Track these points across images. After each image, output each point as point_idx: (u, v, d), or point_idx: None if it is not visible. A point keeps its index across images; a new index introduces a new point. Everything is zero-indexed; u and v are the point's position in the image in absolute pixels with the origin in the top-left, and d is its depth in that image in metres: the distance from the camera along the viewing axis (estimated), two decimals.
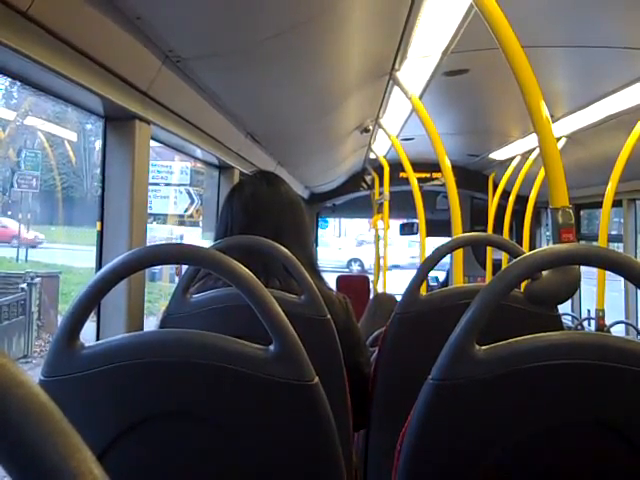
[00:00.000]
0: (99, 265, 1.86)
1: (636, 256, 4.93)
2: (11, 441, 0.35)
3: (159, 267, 9.72)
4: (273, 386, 0.96)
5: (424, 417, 0.94)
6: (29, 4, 1.14)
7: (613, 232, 5.27)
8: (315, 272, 1.79)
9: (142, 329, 1.87)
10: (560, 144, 4.18)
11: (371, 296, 5.87)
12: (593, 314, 4.40)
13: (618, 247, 5.00)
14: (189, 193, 11.04)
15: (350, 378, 1.68)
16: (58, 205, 14.28)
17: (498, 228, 5.87)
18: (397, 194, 6.00)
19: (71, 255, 12.08)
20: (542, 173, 4.40)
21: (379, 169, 5.98)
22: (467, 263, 4.56)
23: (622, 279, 0.97)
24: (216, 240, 1.75)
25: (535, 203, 5.42)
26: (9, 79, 1.44)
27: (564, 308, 5.23)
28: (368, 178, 7.13)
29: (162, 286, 10.46)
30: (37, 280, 9.59)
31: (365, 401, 1.85)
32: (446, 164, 3.04)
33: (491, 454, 0.91)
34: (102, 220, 1.85)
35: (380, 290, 6.00)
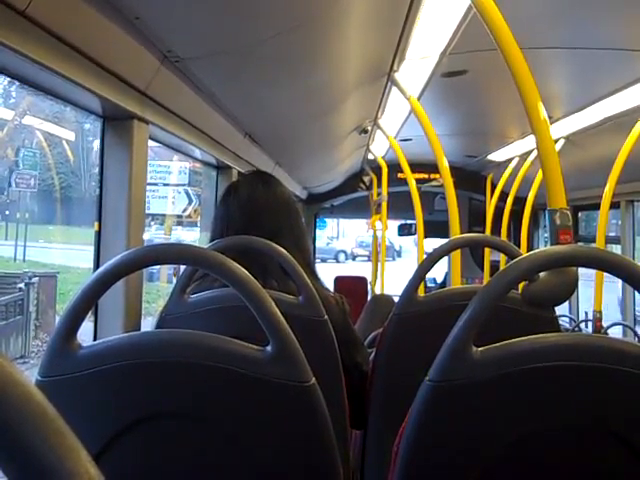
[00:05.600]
0: (97, 265, 1.86)
1: (634, 258, 4.94)
2: (7, 441, 0.35)
3: (157, 267, 9.72)
4: (270, 387, 0.96)
5: (421, 418, 0.94)
6: (27, 3, 1.14)
7: (611, 234, 5.26)
8: (312, 273, 1.80)
9: (139, 329, 1.87)
10: (558, 146, 4.18)
11: (369, 297, 5.87)
12: (590, 316, 4.40)
13: (616, 249, 5.00)
14: (187, 193, 11.04)
15: (348, 377, 1.68)
16: (56, 205, 14.27)
17: (496, 229, 5.87)
18: (395, 195, 6.00)
19: (69, 255, 12.07)
20: (540, 174, 4.40)
21: (377, 170, 5.98)
22: (465, 264, 4.56)
23: (620, 281, 0.98)
24: (212, 240, 1.75)
25: (533, 204, 5.42)
26: (7, 78, 1.44)
27: (561, 310, 5.23)
28: (366, 179, 7.13)
29: (160, 287, 10.45)
30: (35, 280, 9.58)
31: (363, 401, 1.85)
32: (444, 165, 3.04)
33: (488, 455, 0.91)
34: (100, 220, 1.85)
35: (378, 291, 6.00)
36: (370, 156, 6.07)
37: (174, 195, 11.03)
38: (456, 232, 2.96)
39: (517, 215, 5.99)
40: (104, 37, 1.48)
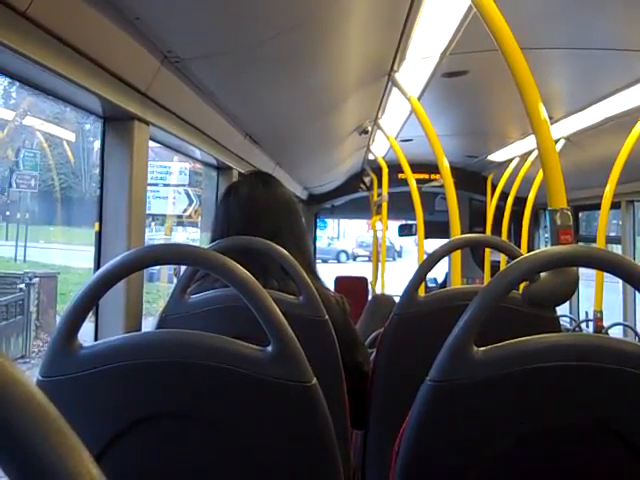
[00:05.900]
0: (97, 265, 1.86)
1: (634, 258, 4.94)
2: (8, 440, 0.35)
3: (157, 268, 9.72)
4: (271, 387, 0.96)
5: (422, 418, 0.94)
6: (28, 4, 1.14)
7: (612, 234, 5.27)
8: (312, 273, 1.80)
9: (140, 330, 1.87)
10: (559, 146, 4.18)
11: (369, 297, 5.87)
12: (591, 316, 4.40)
13: (617, 249, 5.00)
14: (187, 194, 11.05)
15: (349, 377, 1.68)
16: (57, 205, 14.27)
17: (496, 229, 5.87)
18: (396, 195, 6.00)
19: (69, 255, 12.08)
20: (541, 175, 4.40)
21: (378, 170, 5.98)
22: (465, 265, 4.56)
23: (620, 281, 0.98)
24: (212, 241, 1.75)
25: (534, 205, 5.42)
26: (8, 79, 1.44)
27: (562, 310, 5.23)
28: (367, 179, 7.12)
29: (160, 287, 10.46)
30: (35, 280, 9.59)
31: (363, 401, 1.85)
32: (445, 165, 3.04)
33: (488, 455, 0.91)
34: (100, 220, 1.85)
35: (378, 291, 6.00)
36: (370, 156, 6.07)
37: (174, 195, 11.04)
38: (457, 232, 2.96)
39: (518, 215, 5.99)
40: (104, 38, 1.48)
